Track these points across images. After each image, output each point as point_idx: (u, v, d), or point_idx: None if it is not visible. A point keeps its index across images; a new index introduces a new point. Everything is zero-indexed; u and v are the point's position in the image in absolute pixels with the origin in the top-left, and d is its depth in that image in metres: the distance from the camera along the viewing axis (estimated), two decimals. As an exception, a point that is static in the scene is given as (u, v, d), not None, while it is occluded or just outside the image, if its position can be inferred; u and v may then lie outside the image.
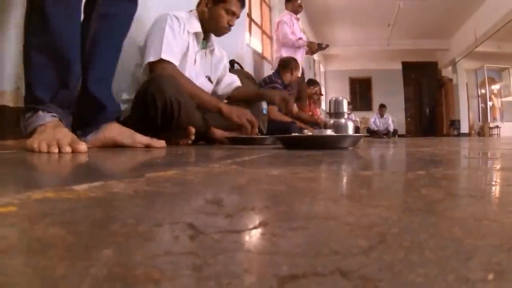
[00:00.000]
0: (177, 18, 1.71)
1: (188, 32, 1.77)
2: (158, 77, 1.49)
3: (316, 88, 5.16)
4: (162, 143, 1.30)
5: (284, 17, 4.06)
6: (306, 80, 5.26)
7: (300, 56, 4.10)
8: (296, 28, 4.08)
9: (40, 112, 1.01)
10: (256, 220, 0.24)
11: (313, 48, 4.23)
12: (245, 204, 0.28)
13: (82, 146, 0.93)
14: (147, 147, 1.25)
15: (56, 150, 0.90)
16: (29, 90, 1.03)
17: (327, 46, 4.39)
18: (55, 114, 1.03)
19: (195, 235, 0.19)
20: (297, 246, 0.18)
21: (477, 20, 8.54)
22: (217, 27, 1.85)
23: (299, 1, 4.13)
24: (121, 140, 1.23)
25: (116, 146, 1.22)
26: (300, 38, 4.01)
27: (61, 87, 1.05)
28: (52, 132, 0.96)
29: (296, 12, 4.15)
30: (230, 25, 1.87)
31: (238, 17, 1.90)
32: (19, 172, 0.55)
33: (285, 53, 3.95)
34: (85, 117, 1.19)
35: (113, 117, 1.26)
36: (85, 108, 1.19)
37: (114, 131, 1.23)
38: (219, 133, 1.82)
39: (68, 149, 0.90)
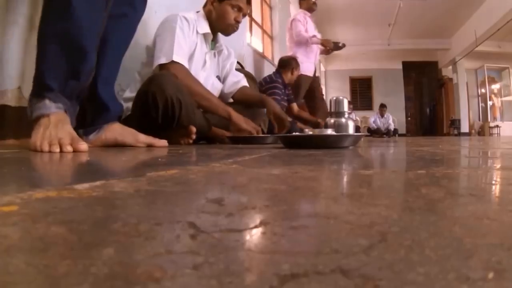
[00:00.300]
0: (186, 19, 1.71)
1: (197, 33, 1.77)
2: (159, 76, 1.49)
3: None
4: (164, 142, 1.30)
5: (298, 15, 3.96)
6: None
7: (313, 56, 4.00)
8: (310, 26, 3.97)
9: (47, 101, 1.00)
10: (257, 219, 0.24)
11: (328, 46, 4.06)
12: (246, 203, 0.28)
13: (83, 146, 0.93)
14: (149, 146, 1.25)
15: (58, 150, 0.90)
16: (39, 76, 1.02)
17: (344, 45, 4.19)
18: (61, 105, 1.02)
19: (196, 234, 0.19)
20: (298, 245, 0.18)
21: (477, 20, 8.55)
22: (225, 24, 1.84)
23: None
24: (123, 139, 1.23)
25: (117, 146, 1.22)
26: (314, 36, 3.90)
27: (72, 78, 1.04)
28: (54, 131, 0.96)
29: (310, 10, 4.03)
30: (238, 22, 1.86)
31: (245, 14, 1.90)
32: (21, 171, 0.55)
33: (298, 52, 3.87)
34: (87, 116, 1.20)
35: (115, 118, 1.26)
36: (88, 107, 1.19)
37: (116, 130, 1.23)
38: (220, 132, 1.82)
39: (69, 148, 0.91)
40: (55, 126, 0.98)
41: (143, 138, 1.26)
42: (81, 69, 1.06)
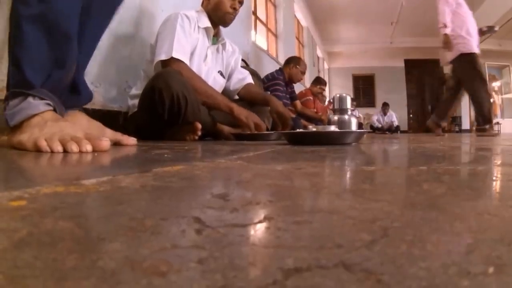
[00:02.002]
0: (187, 17, 1.73)
1: (199, 27, 1.79)
2: (165, 72, 1.50)
3: (319, 86, 5.06)
4: (133, 140, 1.09)
5: None
6: (315, 78, 5.18)
7: (475, 32, 3.62)
8: (463, 7, 3.65)
9: (31, 99, 0.83)
10: (261, 214, 0.24)
11: (445, 48, 3.52)
12: (251, 199, 0.28)
13: (105, 143, 0.78)
14: (116, 144, 1.05)
15: (76, 149, 0.73)
16: (17, 71, 0.84)
17: (498, 28, 3.78)
18: (50, 102, 0.85)
19: (201, 229, 0.20)
20: (301, 239, 0.18)
21: (478, 19, 8.48)
22: (222, 13, 1.85)
23: None
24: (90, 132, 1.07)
25: None
26: (444, 26, 3.46)
27: (56, 66, 0.88)
28: (57, 127, 0.79)
29: None
30: (235, 9, 1.86)
31: (241, 1, 1.90)
32: (28, 167, 0.55)
33: (461, 30, 3.51)
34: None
35: (81, 105, 1.11)
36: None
37: (82, 122, 1.04)
38: (225, 129, 1.83)
39: (88, 147, 0.74)
40: (56, 122, 0.82)
41: (111, 134, 1.05)
42: (66, 55, 0.90)
